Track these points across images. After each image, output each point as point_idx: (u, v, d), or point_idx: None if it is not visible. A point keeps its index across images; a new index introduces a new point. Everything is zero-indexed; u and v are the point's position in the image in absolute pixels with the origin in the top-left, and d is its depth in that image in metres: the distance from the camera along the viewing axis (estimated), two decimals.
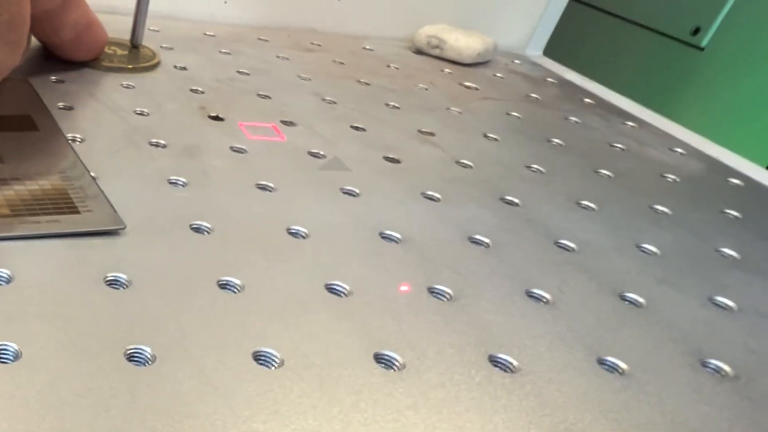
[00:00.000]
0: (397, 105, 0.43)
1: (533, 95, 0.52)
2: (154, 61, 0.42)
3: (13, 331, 0.19)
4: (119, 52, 0.42)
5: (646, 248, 0.32)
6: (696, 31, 0.90)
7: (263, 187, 0.30)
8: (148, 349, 0.19)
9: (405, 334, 0.22)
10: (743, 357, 0.25)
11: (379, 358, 0.21)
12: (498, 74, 0.56)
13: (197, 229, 0.26)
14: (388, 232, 0.28)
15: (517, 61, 0.61)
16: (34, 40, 0.37)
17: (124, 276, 0.22)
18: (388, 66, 0.51)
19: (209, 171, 0.30)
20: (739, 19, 0.88)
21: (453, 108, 0.45)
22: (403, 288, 0.24)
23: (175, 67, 0.42)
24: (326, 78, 0.46)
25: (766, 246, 0.35)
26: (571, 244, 0.30)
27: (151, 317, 0.20)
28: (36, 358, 0.18)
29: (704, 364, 0.24)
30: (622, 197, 0.37)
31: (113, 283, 0.22)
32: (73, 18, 0.36)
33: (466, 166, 0.36)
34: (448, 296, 0.25)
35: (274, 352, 0.20)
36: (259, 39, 0.51)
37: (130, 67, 0.40)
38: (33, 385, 0.17)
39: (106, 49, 0.42)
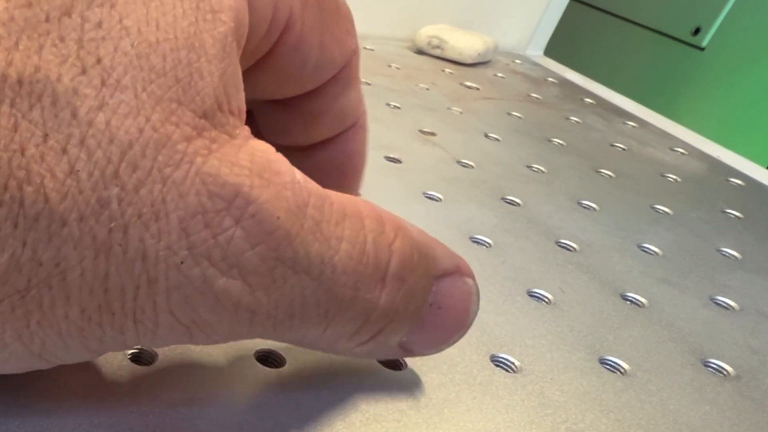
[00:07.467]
0: (398, 105, 0.43)
1: (534, 95, 0.52)
2: None
3: None
4: None
5: (647, 248, 0.32)
6: (696, 31, 0.91)
7: None
8: (151, 349, 0.19)
9: None
10: (745, 357, 0.25)
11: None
12: (499, 74, 0.56)
13: None
14: None
15: (517, 61, 0.61)
16: None
17: None
18: (389, 66, 0.51)
19: None
20: (739, 19, 0.88)
21: (454, 108, 0.45)
22: None
23: None
24: None
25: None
26: (573, 244, 0.30)
27: None
28: None
29: (706, 364, 0.24)
30: (623, 197, 0.37)
31: None
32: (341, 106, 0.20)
33: (467, 166, 0.36)
34: None
35: (276, 352, 0.20)
36: None
37: None
38: (33, 387, 0.17)
39: None
